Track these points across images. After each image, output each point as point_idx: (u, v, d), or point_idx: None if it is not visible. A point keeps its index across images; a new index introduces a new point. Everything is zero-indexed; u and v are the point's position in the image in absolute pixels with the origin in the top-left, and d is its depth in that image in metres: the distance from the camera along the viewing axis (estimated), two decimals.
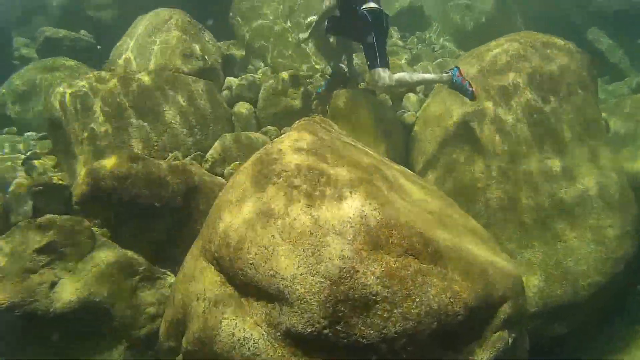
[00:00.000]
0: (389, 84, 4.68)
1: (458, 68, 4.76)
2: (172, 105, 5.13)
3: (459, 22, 8.59)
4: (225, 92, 6.08)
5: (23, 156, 6.01)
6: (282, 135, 3.42)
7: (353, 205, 2.79)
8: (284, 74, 5.91)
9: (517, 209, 4.44)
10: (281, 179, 2.95)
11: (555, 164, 4.49)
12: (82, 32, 7.94)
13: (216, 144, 4.93)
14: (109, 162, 4.14)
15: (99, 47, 7.79)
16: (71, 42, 7.51)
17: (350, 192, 2.86)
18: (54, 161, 5.55)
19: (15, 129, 6.63)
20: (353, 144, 3.81)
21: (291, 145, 3.18)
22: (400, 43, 8.27)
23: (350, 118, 5.29)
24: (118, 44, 6.28)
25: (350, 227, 2.69)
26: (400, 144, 5.55)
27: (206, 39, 6.43)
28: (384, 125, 5.41)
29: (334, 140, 3.53)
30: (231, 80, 6.26)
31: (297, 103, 5.74)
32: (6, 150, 6.20)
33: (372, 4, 4.90)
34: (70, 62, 6.78)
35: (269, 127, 5.67)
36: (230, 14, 7.97)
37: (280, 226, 2.74)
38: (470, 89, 4.58)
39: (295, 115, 5.46)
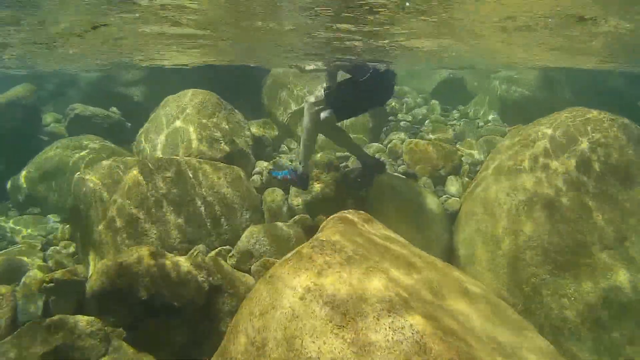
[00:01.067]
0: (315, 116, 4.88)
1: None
2: (196, 195, 4.91)
3: (504, 95, 8.34)
4: (255, 177, 5.84)
5: (43, 238, 5.94)
6: (309, 250, 3.03)
7: (406, 330, 2.38)
8: (317, 157, 5.68)
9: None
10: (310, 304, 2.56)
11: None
12: (112, 109, 8.00)
13: (243, 236, 4.61)
14: (127, 257, 3.88)
15: (128, 124, 7.81)
16: (101, 120, 7.54)
17: (395, 315, 2.42)
18: (72, 248, 5.38)
19: (39, 209, 6.57)
20: (392, 242, 3.44)
21: (321, 268, 2.77)
22: (442, 118, 8.03)
23: (389, 207, 4.98)
24: (145, 125, 6.22)
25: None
26: (443, 231, 5.16)
27: (236, 120, 6.32)
28: (426, 214, 5.06)
29: (371, 241, 3.18)
30: (262, 164, 6.06)
31: (331, 190, 5.45)
32: (27, 232, 6.13)
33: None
34: (95, 144, 6.71)
35: (302, 215, 5.38)
36: (263, 93, 7.99)
37: None
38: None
39: (330, 203, 5.17)
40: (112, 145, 6.80)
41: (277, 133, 7.21)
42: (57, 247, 5.43)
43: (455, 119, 8.50)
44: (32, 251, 5.30)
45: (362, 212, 3.97)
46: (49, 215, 6.33)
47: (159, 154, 5.63)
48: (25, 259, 4.97)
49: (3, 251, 5.35)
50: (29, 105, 7.63)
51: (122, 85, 8.26)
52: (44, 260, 5.16)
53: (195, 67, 7.51)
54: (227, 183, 5.21)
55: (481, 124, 8.15)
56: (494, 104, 8.53)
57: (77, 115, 7.47)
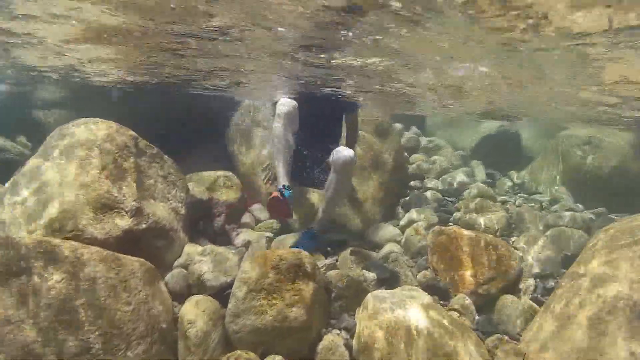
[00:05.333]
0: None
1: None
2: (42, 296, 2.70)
3: (578, 162, 6.05)
4: (175, 273, 3.67)
5: None
6: None
7: None
8: (277, 255, 3.44)
9: None
10: None
11: None
12: (20, 138, 5.92)
13: None
14: None
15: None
16: None
17: None
18: None
19: None
20: None
21: None
22: (487, 189, 5.69)
23: None
24: (21, 170, 4.05)
25: None
26: None
27: (161, 173, 4.16)
28: None
29: None
30: (191, 252, 3.87)
31: (298, 312, 3.19)
32: None
33: None
34: None
35: (240, 353, 3.11)
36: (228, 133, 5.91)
37: None
38: None
39: (295, 334, 3.01)
40: None
41: (239, 194, 5.00)
42: None
43: (508, 192, 6.21)
44: None
45: None
46: None
47: (8, 227, 3.47)
48: None
49: None
50: None
51: (37, 106, 6.17)
52: None
53: (144, 87, 5.43)
54: (113, 287, 3.01)
55: (545, 202, 5.83)
56: (567, 177, 6.22)
57: None
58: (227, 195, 4.91)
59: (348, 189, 4.49)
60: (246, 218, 4.92)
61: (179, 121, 5.55)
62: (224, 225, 4.60)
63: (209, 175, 4.97)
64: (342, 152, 3.95)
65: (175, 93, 5.49)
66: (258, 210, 5.05)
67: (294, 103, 3.96)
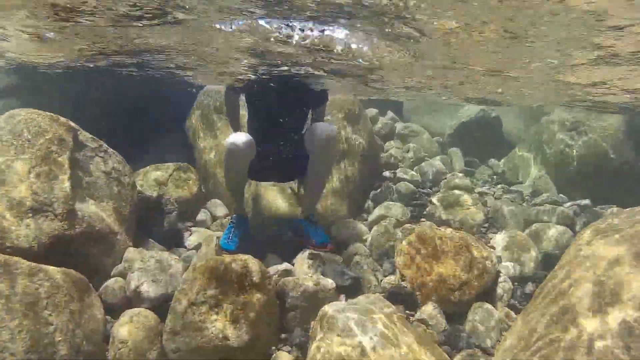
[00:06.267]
0: None
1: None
2: None
3: (562, 150, 5.71)
4: (110, 284, 3.33)
5: None
6: None
7: None
8: (233, 260, 3.09)
9: None
10: None
11: None
12: None
13: None
14: None
15: None
16: None
17: None
18: None
19: None
20: None
21: None
22: (466, 181, 5.36)
23: None
24: None
25: None
26: None
27: (103, 169, 3.79)
28: None
29: None
30: (131, 258, 3.49)
31: (242, 329, 2.85)
32: None
33: None
34: None
35: None
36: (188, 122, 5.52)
37: None
38: None
39: (238, 354, 2.79)
40: None
41: (195, 189, 4.63)
42: None
43: (488, 182, 5.88)
44: None
45: None
46: None
47: None
48: None
49: None
50: None
51: None
52: None
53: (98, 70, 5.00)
54: (25, 307, 2.64)
55: (527, 193, 5.51)
56: (548, 163, 5.90)
57: None
58: (181, 190, 4.54)
59: (331, 168, 4.22)
60: (202, 215, 4.55)
61: (134, 109, 5.15)
62: (175, 224, 4.23)
63: (162, 168, 4.59)
64: (321, 127, 3.61)
65: (128, 77, 5.05)
66: (214, 206, 4.68)
67: (244, 139, 3.55)
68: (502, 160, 6.59)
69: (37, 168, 3.27)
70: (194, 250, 3.99)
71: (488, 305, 3.43)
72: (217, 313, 2.91)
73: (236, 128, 4.21)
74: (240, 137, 3.48)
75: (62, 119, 3.63)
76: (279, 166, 3.89)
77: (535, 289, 3.46)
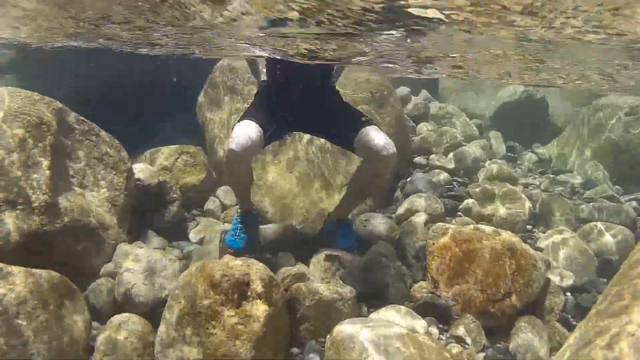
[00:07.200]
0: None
1: None
2: None
3: (618, 136, 5.10)
4: (97, 285, 2.97)
5: None
6: None
7: None
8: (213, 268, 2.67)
9: None
10: None
11: None
12: None
13: None
14: None
15: None
16: None
17: None
18: None
19: None
20: None
21: None
22: (507, 168, 4.80)
23: None
24: None
25: None
26: None
27: (93, 155, 3.40)
28: None
29: None
30: (122, 256, 3.11)
31: (243, 347, 2.44)
32: None
33: None
34: None
35: None
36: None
37: None
38: None
39: None
40: None
41: (203, 175, 4.22)
42: None
43: (532, 170, 5.32)
44: None
45: None
46: None
47: None
48: None
49: None
50: None
51: None
52: None
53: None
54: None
55: (577, 184, 4.93)
56: (601, 151, 5.29)
57: None
58: (188, 176, 4.14)
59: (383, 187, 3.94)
60: (211, 203, 4.15)
61: (140, 88, 4.75)
62: (179, 215, 3.83)
63: (167, 152, 4.19)
64: (381, 139, 3.03)
65: (134, 56, 4.64)
66: (225, 193, 4.26)
67: (243, 142, 2.98)
68: (548, 146, 6.02)
69: (13, 155, 2.88)
70: (197, 245, 3.58)
71: (536, 320, 2.94)
72: (214, 327, 2.49)
73: (257, 75, 3.68)
74: (240, 140, 2.93)
75: (47, 98, 3.25)
76: (303, 114, 3.30)
77: (593, 300, 2.96)
